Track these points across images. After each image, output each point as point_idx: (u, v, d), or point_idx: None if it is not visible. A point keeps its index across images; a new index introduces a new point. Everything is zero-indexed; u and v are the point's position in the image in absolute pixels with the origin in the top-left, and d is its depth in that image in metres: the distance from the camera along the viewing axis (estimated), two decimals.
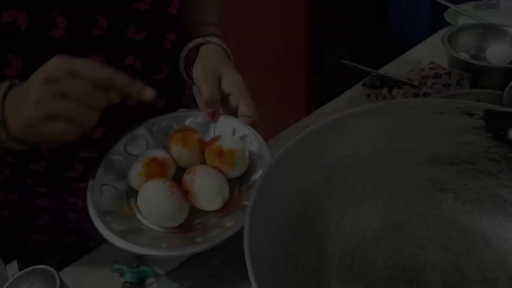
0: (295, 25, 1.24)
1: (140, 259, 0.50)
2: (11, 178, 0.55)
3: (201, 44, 0.53)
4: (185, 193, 0.42)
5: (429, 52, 0.85)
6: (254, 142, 0.46)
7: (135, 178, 0.44)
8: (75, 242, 0.62)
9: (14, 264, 0.45)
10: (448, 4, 0.95)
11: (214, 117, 0.48)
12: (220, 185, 0.42)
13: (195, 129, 0.47)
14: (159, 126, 0.49)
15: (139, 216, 0.43)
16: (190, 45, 0.52)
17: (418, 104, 0.41)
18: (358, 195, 0.42)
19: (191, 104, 0.70)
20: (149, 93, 0.41)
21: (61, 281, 0.41)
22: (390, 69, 0.82)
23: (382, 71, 0.79)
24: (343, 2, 1.23)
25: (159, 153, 0.45)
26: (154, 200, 0.40)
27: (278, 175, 0.36)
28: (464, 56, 0.73)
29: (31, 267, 0.42)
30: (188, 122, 0.50)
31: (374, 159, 0.42)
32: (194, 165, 0.44)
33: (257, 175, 0.43)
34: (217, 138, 0.45)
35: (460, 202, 0.42)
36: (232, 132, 0.47)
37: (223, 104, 0.50)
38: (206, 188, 0.41)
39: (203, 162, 0.46)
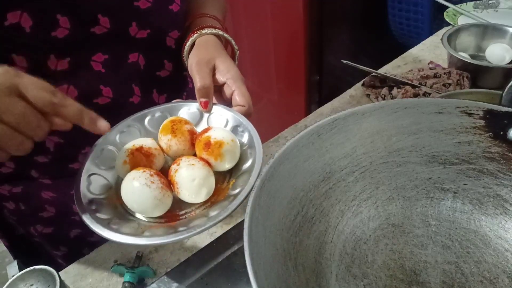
0: (295, 25, 1.24)
1: (140, 259, 0.50)
2: (16, 170, 0.55)
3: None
4: (169, 183, 0.41)
5: (429, 52, 0.85)
6: (246, 133, 0.45)
7: (120, 166, 0.43)
8: (80, 234, 0.63)
9: (14, 264, 0.45)
10: (448, 4, 0.95)
11: (207, 107, 0.47)
12: (204, 177, 0.40)
13: (187, 120, 0.47)
14: (152, 116, 0.49)
15: (126, 206, 0.42)
16: (189, 43, 0.52)
17: (418, 104, 0.41)
18: (358, 195, 0.42)
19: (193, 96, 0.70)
20: (103, 125, 0.38)
21: (61, 281, 0.41)
22: (390, 69, 0.82)
23: (382, 71, 0.79)
24: (343, 2, 1.23)
25: (147, 143, 0.44)
26: (134, 189, 0.39)
27: (278, 175, 0.36)
28: (463, 56, 0.73)
29: (31, 267, 0.42)
30: (181, 112, 0.49)
31: (374, 159, 0.42)
32: (183, 156, 0.44)
33: (247, 165, 0.42)
34: (207, 129, 0.44)
35: (459, 202, 0.42)
36: (225, 122, 0.47)
37: (218, 94, 0.49)
38: (189, 179, 0.40)
39: (194, 153, 0.45)
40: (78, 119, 0.37)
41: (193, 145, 0.45)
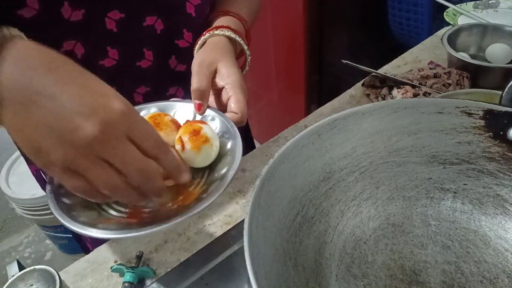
0: (295, 25, 1.24)
1: (140, 259, 0.50)
2: None
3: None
4: None
5: (428, 52, 0.85)
6: (231, 141, 0.44)
7: None
8: None
9: (14, 264, 0.45)
10: (448, 4, 0.95)
11: (200, 109, 0.46)
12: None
13: (165, 113, 0.46)
14: (147, 112, 0.48)
15: (104, 207, 0.41)
16: (200, 42, 0.51)
17: (418, 104, 0.41)
18: (358, 195, 0.42)
19: None
20: (185, 178, 0.35)
21: (61, 281, 0.41)
22: (390, 69, 0.82)
23: (382, 71, 0.79)
24: (343, 2, 1.23)
25: None
26: None
27: (278, 175, 0.36)
28: (463, 56, 0.73)
29: (31, 267, 0.42)
30: (176, 110, 0.48)
31: (374, 159, 0.42)
32: (171, 145, 0.43)
33: (221, 173, 0.42)
34: (202, 121, 0.44)
35: (459, 202, 0.42)
36: (215, 127, 0.46)
37: (217, 98, 0.48)
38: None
39: None
40: (173, 173, 0.34)
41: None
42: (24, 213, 1.33)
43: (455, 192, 0.42)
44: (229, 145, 0.44)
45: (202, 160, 0.42)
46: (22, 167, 1.38)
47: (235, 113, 0.45)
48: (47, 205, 1.32)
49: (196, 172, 0.43)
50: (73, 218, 0.37)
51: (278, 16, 1.29)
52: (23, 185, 1.32)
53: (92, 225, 0.36)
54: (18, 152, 1.40)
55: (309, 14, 1.20)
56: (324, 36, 1.26)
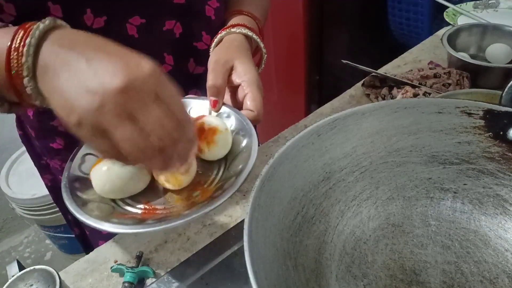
0: (295, 25, 1.24)
1: (140, 259, 0.50)
2: (66, 146, 0.56)
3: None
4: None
5: (428, 52, 0.85)
6: (246, 138, 0.44)
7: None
8: None
9: (14, 264, 0.45)
10: (448, 4, 0.95)
11: (215, 106, 0.46)
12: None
13: None
14: None
15: (119, 202, 0.42)
16: (216, 40, 0.51)
17: (418, 104, 0.41)
18: (358, 195, 0.42)
19: None
20: (190, 163, 0.37)
21: (61, 281, 0.41)
22: (390, 69, 0.82)
23: (382, 71, 0.79)
24: (343, 2, 1.23)
25: None
26: (109, 172, 0.39)
27: (278, 175, 0.36)
28: (463, 56, 0.73)
29: (31, 267, 0.42)
30: (191, 107, 0.49)
31: (374, 159, 0.42)
32: None
33: (237, 170, 0.41)
34: (200, 117, 0.44)
35: (459, 202, 0.42)
36: (230, 124, 0.46)
37: (233, 95, 0.48)
38: None
39: None
40: (187, 147, 0.33)
41: None
42: (24, 213, 1.33)
43: (455, 192, 0.42)
44: (244, 143, 0.44)
45: (223, 147, 0.43)
46: (22, 167, 1.37)
47: (251, 110, 0.45)
48: (47, 205, 1.33)
49: (212, 169, 0.44)
50: (87, 212, 0.37)
51: (278, 16, 1.29)
52: (23, 185, 1.32)
53: (106, 220, 0.37)
54: (18, 152, 1.40)
55: (309, 14, 1.20)
56: (324, 36, 1.26)
